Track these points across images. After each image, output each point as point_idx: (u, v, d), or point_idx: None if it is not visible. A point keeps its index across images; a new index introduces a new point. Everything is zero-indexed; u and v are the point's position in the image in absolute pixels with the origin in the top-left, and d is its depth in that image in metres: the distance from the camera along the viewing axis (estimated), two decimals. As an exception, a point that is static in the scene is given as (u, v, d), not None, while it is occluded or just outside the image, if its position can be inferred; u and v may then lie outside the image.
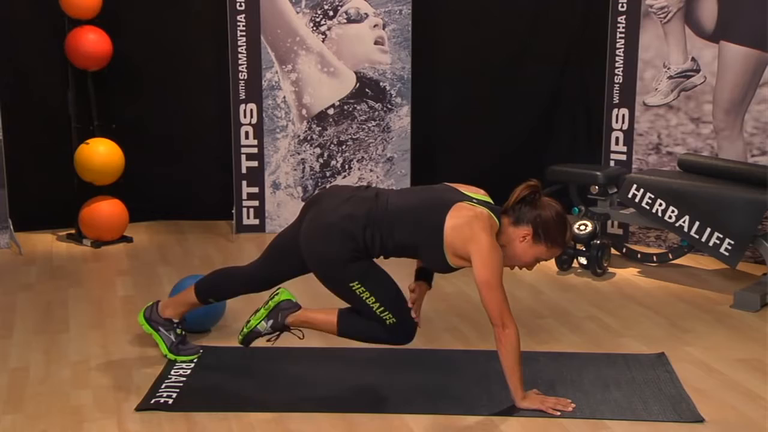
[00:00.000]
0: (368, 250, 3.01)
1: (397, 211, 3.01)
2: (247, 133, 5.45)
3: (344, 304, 3.14)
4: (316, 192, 5.35)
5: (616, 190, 4.80)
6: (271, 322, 3.19)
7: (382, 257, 3.08)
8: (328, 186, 5.46)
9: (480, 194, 3.07)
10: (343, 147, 5.56)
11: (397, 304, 3.08)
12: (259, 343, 3.27)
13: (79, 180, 5.22)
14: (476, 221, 2.92)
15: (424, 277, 3.30)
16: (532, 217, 2.99)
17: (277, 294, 3.23)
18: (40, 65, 5.39)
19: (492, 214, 2.98)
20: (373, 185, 5.50)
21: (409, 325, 3.11)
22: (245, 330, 3.23)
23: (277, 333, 3.22)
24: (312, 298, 3.44)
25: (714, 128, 4.96)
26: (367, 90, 5.51)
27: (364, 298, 3.02)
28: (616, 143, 5.34)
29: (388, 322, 3.06)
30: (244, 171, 5.48)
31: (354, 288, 3.01)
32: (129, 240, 5.34)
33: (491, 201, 3.07)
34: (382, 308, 3.04)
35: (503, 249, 2.97)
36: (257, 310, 3.24)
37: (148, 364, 3.40)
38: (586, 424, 2.93)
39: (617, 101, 5.30)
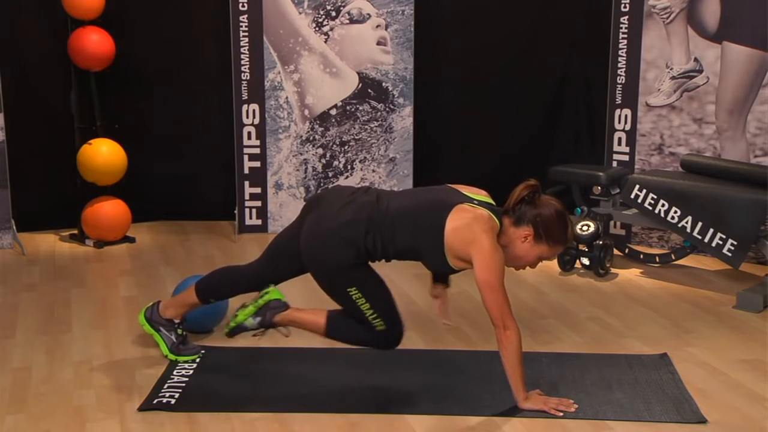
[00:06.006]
0: (369, 254, 3.01)
1: (398, 214, 3.01)
2: (249, 133, 5.45)
3: (338, 306, 3.14)
4: (317, 192, 5.34)
5: (618, 190, 4.80)
6: (258, 319, 3.18)
7: (384, 261, 3.08)
8: (329, 186, 5.46)
9: (481, 195, 3.07)
10: (346, 147, 5.56)
11: (389, 311, 3.08)
12: (258, 342, 3.27)
13: (82, 180, 5.22)
14: (476, 223, 2.91)
15: (440, 278, 3.32)
16: (532, 217, 2.98)
17: (267, 292, 3.22)
18: (43, 66, 5.40)
19: (493, 216, 2.97)
20: (375, 186, 5.49)
21: (397, 333, 3.11)
22: (232, 324, 3.22)
23: (263, 329, 3.23)
24: (310, 299, 3.44)
25: (717, 129, 4.95)
26: (369, 90, 5.51)
27: (359, 303, 3.02)
28: (619, 144, 5.34)
29: (378, 328, 3.06)
30: (246, 171, 5.48)
31: (351, 293, 3.02)
32: (131, 240, 5.35)
33: (492, 202, 3.06)
34: (375, 315, 3.04)
35: (505, 250, 2.97)
36: (245, 305, 3.22)
37: (150, 365, 3.40)
38: (589, 425, 2.93)
39: (620, 102, 5.30)
